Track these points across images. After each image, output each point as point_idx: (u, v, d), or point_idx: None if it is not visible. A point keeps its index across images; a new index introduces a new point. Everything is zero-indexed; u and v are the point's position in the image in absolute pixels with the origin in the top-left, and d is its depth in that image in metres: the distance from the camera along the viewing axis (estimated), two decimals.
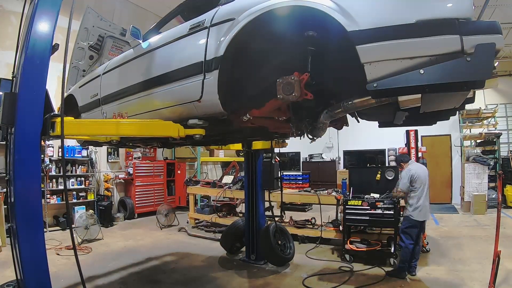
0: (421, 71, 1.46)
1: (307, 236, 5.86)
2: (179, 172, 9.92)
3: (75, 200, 7.51)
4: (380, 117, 2.78)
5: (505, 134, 10.06)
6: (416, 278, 4.13)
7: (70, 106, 3.88)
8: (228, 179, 7.47)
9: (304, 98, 2.00)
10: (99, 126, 2.62)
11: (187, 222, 7.74)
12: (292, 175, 8.72)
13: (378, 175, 5.25)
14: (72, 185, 7.52)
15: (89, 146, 7.04)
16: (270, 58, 2.25)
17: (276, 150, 5.07)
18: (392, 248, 4.61)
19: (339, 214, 5.52)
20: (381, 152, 10.59)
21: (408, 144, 7.55)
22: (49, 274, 2.24)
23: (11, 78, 2.55)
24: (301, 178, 8.40)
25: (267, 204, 5.12)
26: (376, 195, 4.81)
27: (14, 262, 2.40)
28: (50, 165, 7.07)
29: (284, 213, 5.89)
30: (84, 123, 3.00)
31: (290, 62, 2.14)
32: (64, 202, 7.27)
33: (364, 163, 9.96)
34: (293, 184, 8.25)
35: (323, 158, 11.33)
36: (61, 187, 7.28)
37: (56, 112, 2.49)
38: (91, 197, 7.83)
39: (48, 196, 7.04)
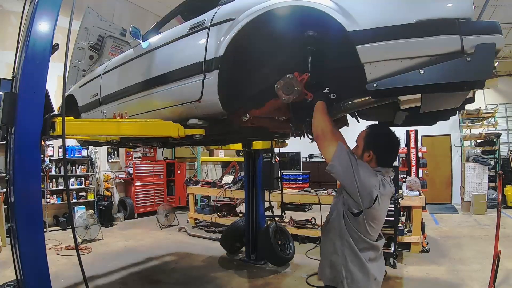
0: (421, 71, 1.45)
1: (307, 236, 5.86)
2: (179, 172, 9.91)
3: (75, 200, 7.50)
4: (380, 117, 2.78)
5: (505, 134, 10.05)
6: (416, 278, 4.13)
7: (70, 106, 3.87)
8: (228, 179, 7.46)
9: (304, 98, 2.00)
10: (100, 126, 2.61)
11: (187, 222, 7.74)
12: (292, 175, 8.69)
13: None
14: (72, 185, 7.52)
15: (89, 146, 7.03)
16: (270, 58, 2.25)
17: (276, 150, 5.06)
18: (392, 248, 4.61)
19: None
20: None
21: (408, 144, 7.57)
22: (49, 274, 2.24)
23: (11, 78, 2.55)
24: (301, 178, 8.36)
25: (267, 204, 5.12)
26: None
27: (14, 262, 2.40)
28: (50, 165, 7.07)
29: (284, 213, 5.88)
30: (85, 123, 2.99)
31: (290, 62, 2.14)
32: (64, 202, 7.28)
33: None
34: (293, 184, 8.22)
35: (323, 158, 11.23)
36: (61, 187, 7.28)
37: (56, 112, 2.49)
38: (91, 197, 7.83)
39: (48, 196, 7.03)
